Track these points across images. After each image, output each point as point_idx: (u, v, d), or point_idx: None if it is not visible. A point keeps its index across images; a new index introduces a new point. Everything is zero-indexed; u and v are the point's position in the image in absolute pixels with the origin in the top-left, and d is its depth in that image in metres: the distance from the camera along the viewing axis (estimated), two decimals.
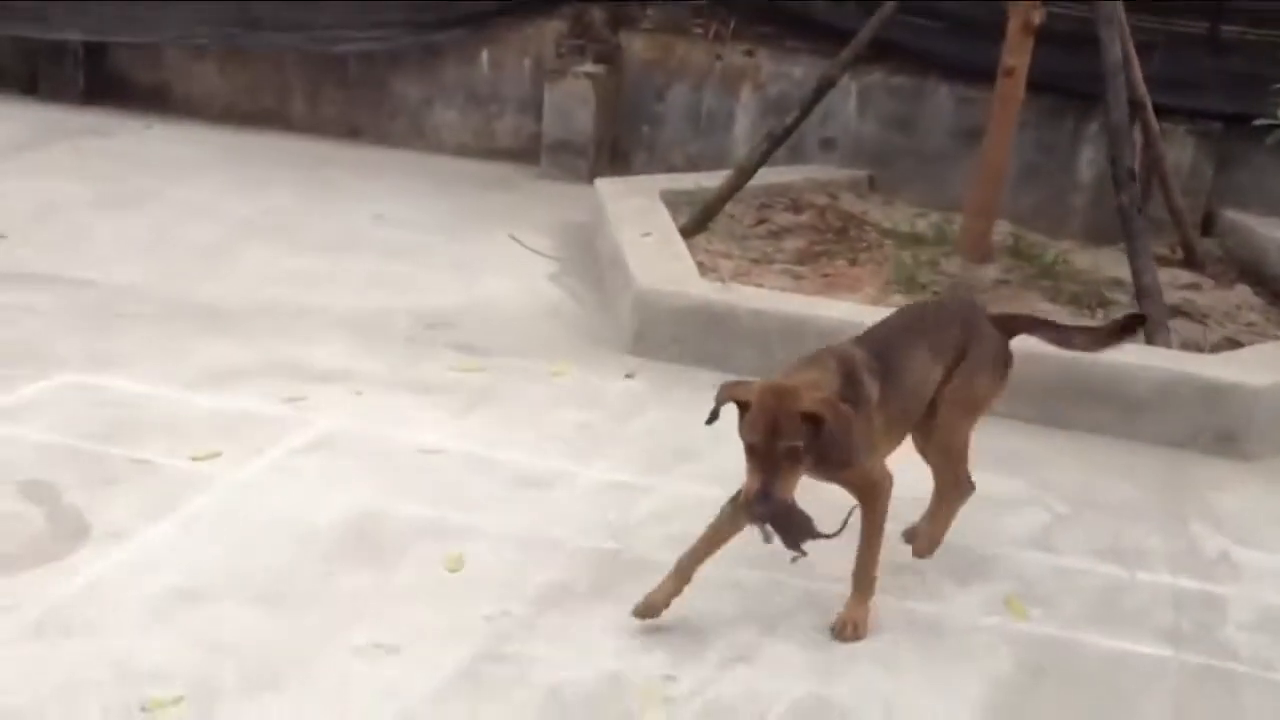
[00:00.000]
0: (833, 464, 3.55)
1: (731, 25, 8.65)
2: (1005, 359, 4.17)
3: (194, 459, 4.48)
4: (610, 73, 8.71)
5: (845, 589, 3.87)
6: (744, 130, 8.63)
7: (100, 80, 9.50)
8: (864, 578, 3.84)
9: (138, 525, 4.07)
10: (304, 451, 4.67)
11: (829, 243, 7.03)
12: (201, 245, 6.84)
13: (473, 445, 4.85)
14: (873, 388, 3.74)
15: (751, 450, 3.46)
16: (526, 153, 9.01)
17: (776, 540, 3.53)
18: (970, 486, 4.22)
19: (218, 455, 4.51)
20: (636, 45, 8.84)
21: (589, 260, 7.11)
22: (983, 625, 4.00)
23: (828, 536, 3.56)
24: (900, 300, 5.94)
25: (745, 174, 6.94)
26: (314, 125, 9.37)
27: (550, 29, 8.87)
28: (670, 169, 8.50)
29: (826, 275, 6.51)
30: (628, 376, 5.61)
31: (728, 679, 3.62)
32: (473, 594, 3.89)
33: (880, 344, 3.94)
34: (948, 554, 4.24)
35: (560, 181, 8.67)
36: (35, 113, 9.05)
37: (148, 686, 3.35)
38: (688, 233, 6.73)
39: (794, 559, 3.58)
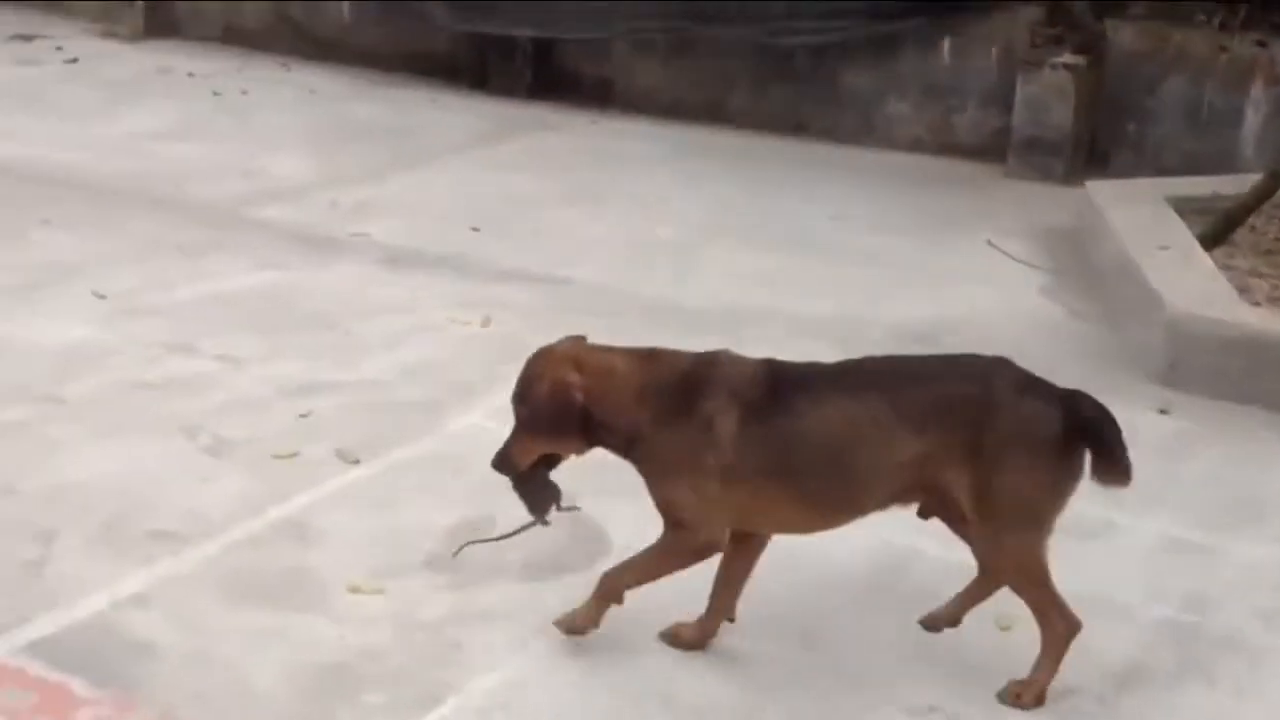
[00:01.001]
0: (635, 458, 3.12)
1: (1242, 13, 7.75)
2: (1058, 442, 3.07)
3: None
4: (1091, 64, 7.96)
5: None
6: (1253, 129, 7.69)
7: (547, 75, 9.50)
8: (607, 580, 3.24)
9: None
10: None
11: None
12: (662, 243, 6.63)
13: None
14: (724, 416, 3.04)
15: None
16: (988, 150, 8.38)
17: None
18: (1074, 622, 3.20)
19: None
20: (1125, 35, 8.04)
21: (1083, 272, 6.42)
22: None
23: (570, 508, 3.38)
24: None
25: (1278, 180, 6.10)
26: (757, 120, 9.04)
27: (1024, 17, 8.19)
28: (1160, 171, 7.65)
29: None
30: (1161, 412, 4.93)
31: None
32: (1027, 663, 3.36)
33: (800, 376, 3.15)
34: None
35: (1029, 182, 8.00)
36: (487, 106, 9.12)
37: None
38: (1204, 246, 5.96)
39: (528, 525, 3.34)
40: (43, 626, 3.24)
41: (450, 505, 3.91)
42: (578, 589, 3.39)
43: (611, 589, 3.23)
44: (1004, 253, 6.66)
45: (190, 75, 9.43)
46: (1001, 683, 3.23)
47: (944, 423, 3.05)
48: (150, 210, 6.59)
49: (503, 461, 3.18)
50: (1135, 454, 4.38)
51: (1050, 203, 7.44)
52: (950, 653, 3.38)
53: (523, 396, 3.15)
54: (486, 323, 5.35)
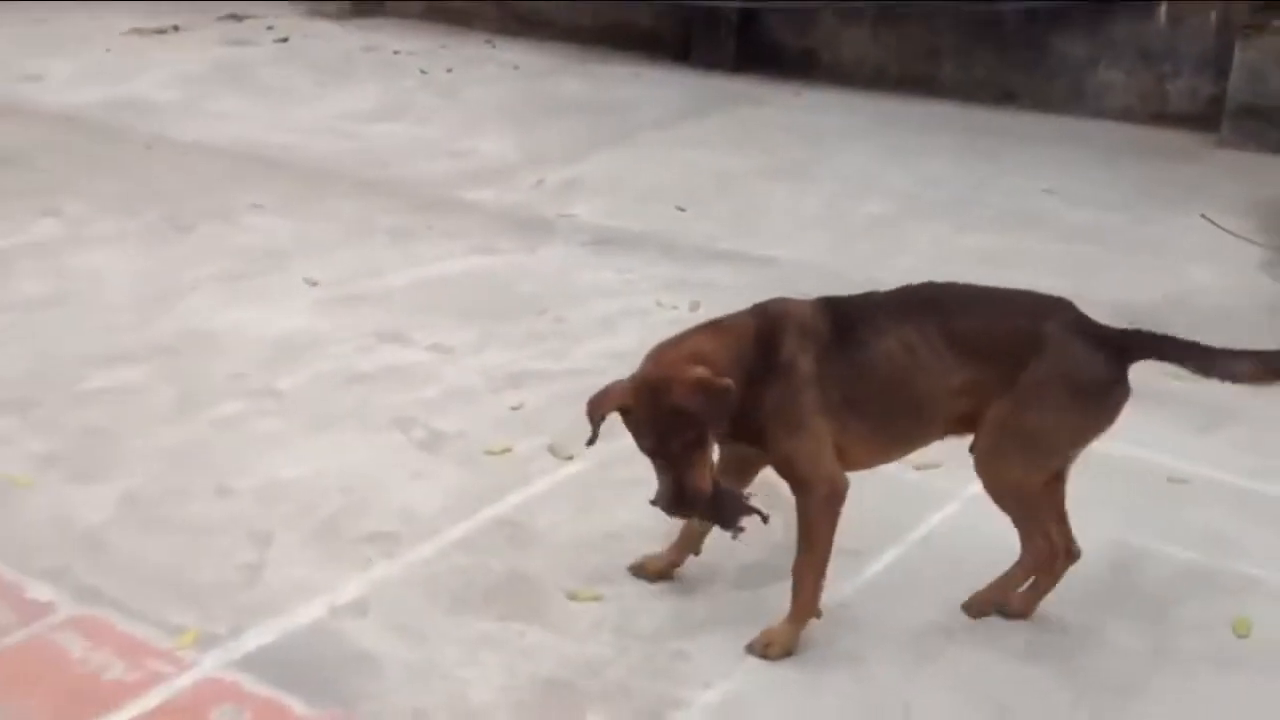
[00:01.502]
0: (751, 431, 3.05)
1: None
2: (1096, 388, 3.13)
3: (916, 468, 3.97)
4: None
5: None
6: None
7: (750, 47, 9.34)
8: (799, 594, 3.16)
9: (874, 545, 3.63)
10: None
11: None
12: (871, 220, 6.46)
13: (1226, 474, 4.09)
14: (804, 355, 3.05)
15: (652, 455, 3.04)
16: (1201, 118, 8.00)
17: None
18: (1065, 553, 3.30)
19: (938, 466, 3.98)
20: None
21: None
22: None
23: (762, 515, 3.16)
24: None
25: None
26: (964, 89, 8.76)
27: None
28: None
29: None
30: None
31: None
32: (1270, 668, 3.20)
33: (856, 309, 3.17)
34: None
35: (1246, 151, 7.62)
36: (690, 79, 9.04)
37: None
38: None
39: (734, 536, 3.17)
40: (260, 636, 3.19)
41: None
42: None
43: (805, 602, 3.17)
44: (1220, 227, 6.34)
45: (395, 53, 9.55)
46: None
47: (991, 353, 3.11)
48: (359, 192, 6.66)
49: (682, 496, 3.01)
50: None
51: (1268, 173, 7.08)
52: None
53: (674, 427, 2.97)
54: (695, 307, 5.24)
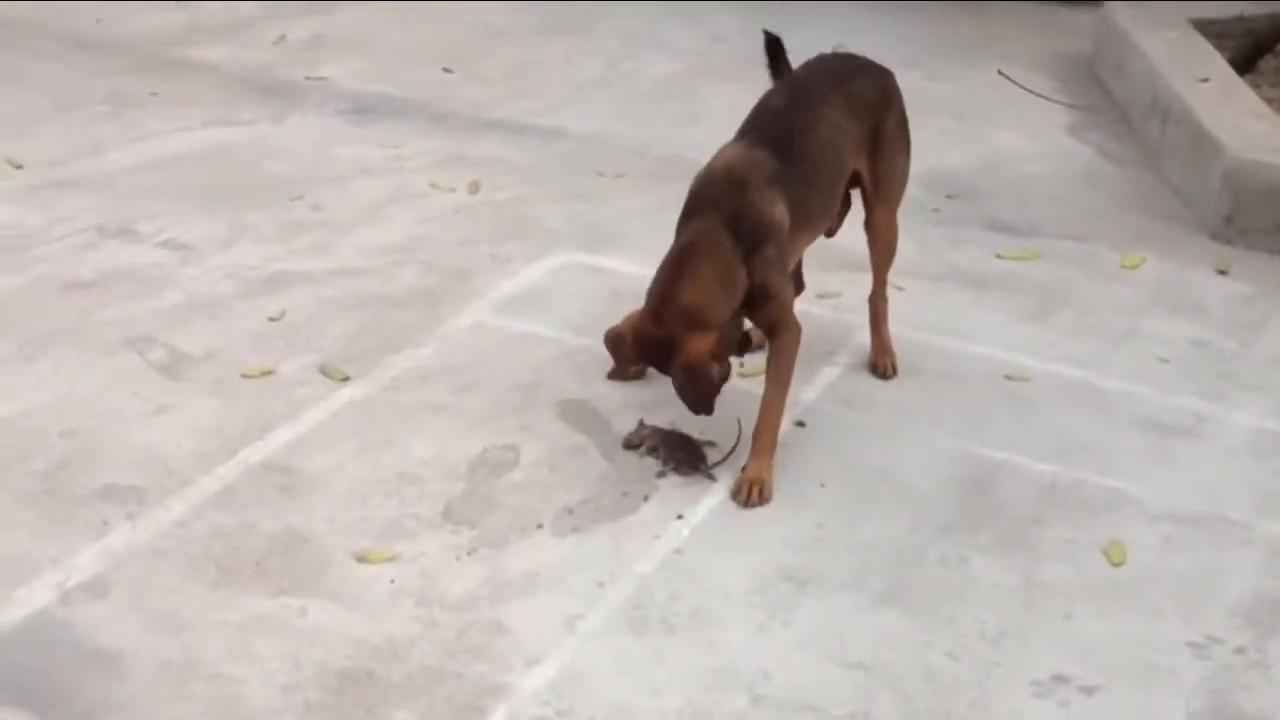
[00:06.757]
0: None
1: None
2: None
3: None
4: None
5: None
6: None
7: None
8: (767, 427, 3.18)
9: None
10: (847, 367, 3.69)
11: None
12: (659, 81, 5.95)
13: (1064, 366, 3.77)
14: (775, 207, 3.10)
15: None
16: None
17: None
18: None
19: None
20: None
21: (1109, 107, 5.87)
22: None
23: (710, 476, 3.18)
24: None
25: None
26: None
27: None
28: None
29: None
30: (1220, 273, 4.39)
31: None
32: (1153, 605, 2.85)
33: (781, 129, 3.21)
34: None
35: (1036, 1, 7.36)
36: None
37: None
38: None
39: (661, 474, 3.17)
40: None
41: (465, 432, 3.26)
42: (630, 539, 2.87)
43: (773, 438, 3.16)
44: (1020, 86, 6.09)
45: None
46: None
47: (866, 113, 3.41)
48: (65, 52, 5.78)
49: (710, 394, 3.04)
50: (1208, 329, 3.98)
51: (1064, 26, 6.87)
52: None
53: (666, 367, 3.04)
54: (475, 188, 4.64)
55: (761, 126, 3.22)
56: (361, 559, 2.79)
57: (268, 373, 3.46)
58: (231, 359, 3.51)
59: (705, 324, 3.00)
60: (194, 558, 2.77)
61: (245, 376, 3.44)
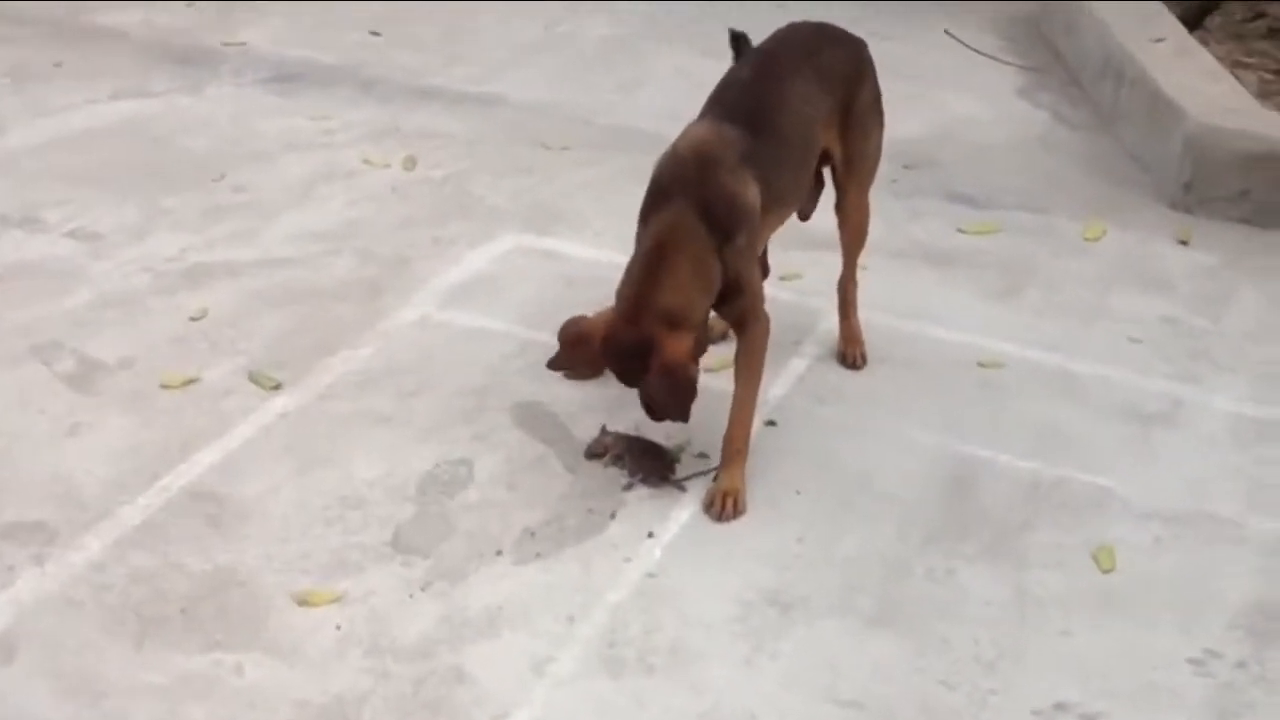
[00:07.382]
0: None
1: None
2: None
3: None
4: None
5: None
6: None
7: None
8: (739, 428, 2.99)
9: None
10: (815, 358, 3.49)
11: None
12: (602, 44, 5.69)
13: (1037, 351, 3.60)
14: (748, 188, 2.90)
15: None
16: None
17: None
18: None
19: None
20: None
21: (1060, 69, 5.70)
22: None
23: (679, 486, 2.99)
24: None
25: None
26: None
27: None
28: None
29: None
30: (1181, 243, 4.24)
31: None
32: (1148, 616, 2.69)
33: (751, 103, 3.01)
34: None
35: None
36: None
37: None
38: None
39: (628, 486, 2.97)
40: None
41: (413, 445, 3.01)
42: (599, 564, 2.67)
43: (745, 438, 2.98)
44: (969, 46, 5.90)
45: None
46: None
47: (838, 85, 3.21)
48: None
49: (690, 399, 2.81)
50: (1175, 304, 3.92)
51: None
52: None
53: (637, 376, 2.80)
54: (410, 164, 4.36)
55: (728, 101, 3.01)
56: (303, 602, 2.54)
57: (190, 381, 3.18)
58: (149, 367, 3.22)
59: (683, 324, 2.79)
60: (113, 607, 2.50)
61: (165, 387, 3.15)
